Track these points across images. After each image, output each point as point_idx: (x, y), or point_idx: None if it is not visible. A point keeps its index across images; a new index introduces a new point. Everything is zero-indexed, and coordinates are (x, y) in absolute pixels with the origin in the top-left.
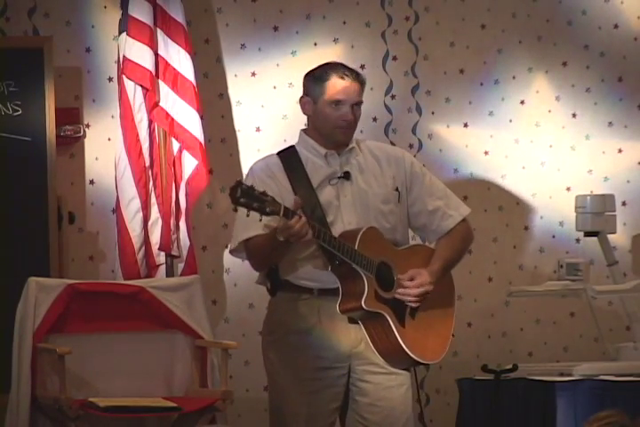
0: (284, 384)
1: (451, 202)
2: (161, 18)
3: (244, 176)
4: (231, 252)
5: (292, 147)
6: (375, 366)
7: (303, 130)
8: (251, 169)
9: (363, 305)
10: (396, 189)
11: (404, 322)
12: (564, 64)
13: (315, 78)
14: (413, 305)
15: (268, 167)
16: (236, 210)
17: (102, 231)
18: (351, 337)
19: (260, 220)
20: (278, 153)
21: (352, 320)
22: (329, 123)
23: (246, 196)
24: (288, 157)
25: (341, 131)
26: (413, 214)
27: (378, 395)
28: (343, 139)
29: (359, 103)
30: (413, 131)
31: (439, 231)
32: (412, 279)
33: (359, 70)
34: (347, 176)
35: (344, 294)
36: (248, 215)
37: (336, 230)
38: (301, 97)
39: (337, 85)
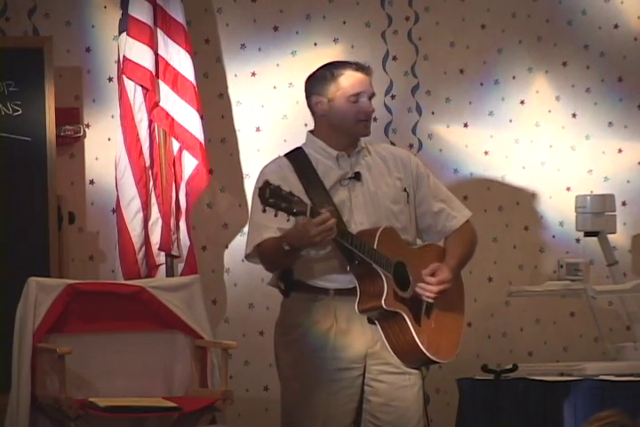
0: (301, 386)
1: (453, 204)
2: (161, 18)
3: (256, 179)
4: (247, 257)
5: (300, 148)
6: (390, 366)
7: (310, 131)
8: (262, 173)
9: (383, 305)
10: (405, 190)
11: (420, 321)
12: (564, 64)
13: (325, 76)
14: (430, 300)
15: (280, 169)
16: (264, 210)
17: (102, 231)
18: (367, 337)
19: (276, 215)
20: (286, 155)
21: (370, 320)
22: (349, 118)
23: (275, 196)
24: (297, 159)
25: (363, 124)
26: (419, 215)
27: (392, 395)
28: (366, 132)
29: (373, 95)
30: (413, 131)
31: (444, 232)
32: (433, 274)
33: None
34: (357, 177)
35: (363, 293)
36: (264, 210)
37: (351, 231)
38: (311, 98)
39: (353, 78)
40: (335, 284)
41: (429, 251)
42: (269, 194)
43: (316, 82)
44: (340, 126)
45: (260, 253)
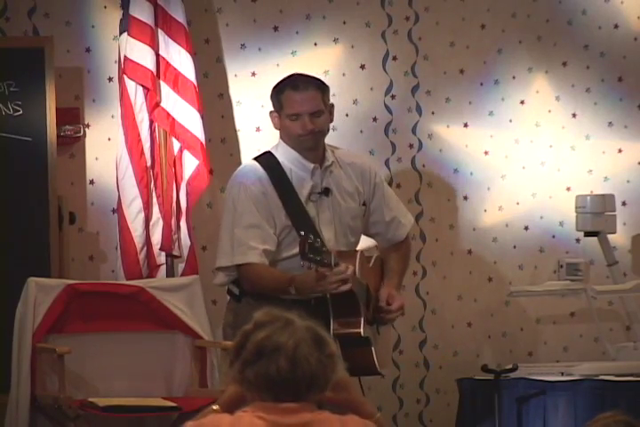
0: None
1: (401, 210)
2: (162, 18)
3: (233, 187)
4: (219, 268)
5: (270, 154)
6: None
7: (282, 139)
8: (240, 183)
9: (362, 333)
10: (364, 204)
11: (376, 338)
12: (564, 64)
13: (275, 92)
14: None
15: (260, 182)
16: (302, 265)
17: (102, 231)
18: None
19: (309, 267)
20: (258, 160)
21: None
22: (292, 134)
23: (312, 250)
24: (272, 168)
25: (305, 138)
26: (371, 223)
27: None
28: (311, 144)
29: (318, 112)
30: (413, 131)
31: (393, 240)
32: (389, 303)
33: (318, 77)
34: (326, 192)
35: (337, 317)
36: (302, 265)
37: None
38: (270, 111)
39: (291, 98)
40: (292, 295)
41: (375, 266)
42: (308, 249)
43: (271, 97)
44: (288, 140)
45: (245, 274)
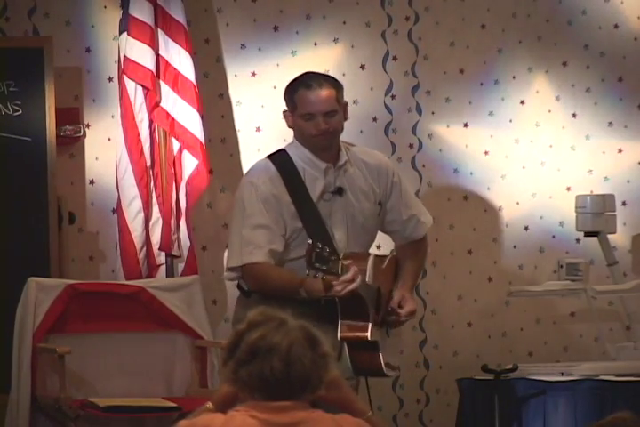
0: None
1: (420, 208)
2: (161, 18)
3: (244, 186)
4: (229, 270)
5: (285, 152)
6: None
7: (296, 138)
8: (251, 183)
9: (368, 337)
10: (379, 203)
11: (385, 341)
12: (564, 64)
13: (288, 91)
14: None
15: (271, 182)
16: (308, 274)
17: (102, 231)
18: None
19: (315, 276)
20: (271, 159)
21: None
22: (305, 134)
23: (319, 259)
24: (285, 167)
25: (319, 138)
26: (387, 222)
27: None
28: (324, 144)
29: (332, 112)
30: (413, 131)
31: (411, 238)
32: (400, 306)
33: (331, 76)
34: (339, 192)
35: (345, 320)
36: (308, 274)
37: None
38: (283, 110)
39: (304, 97)
40: (301, 297)
41: (389, 266)
42: (315, 258)
43: (285, 95)
44: (301, 139)
45: (251, 273)
